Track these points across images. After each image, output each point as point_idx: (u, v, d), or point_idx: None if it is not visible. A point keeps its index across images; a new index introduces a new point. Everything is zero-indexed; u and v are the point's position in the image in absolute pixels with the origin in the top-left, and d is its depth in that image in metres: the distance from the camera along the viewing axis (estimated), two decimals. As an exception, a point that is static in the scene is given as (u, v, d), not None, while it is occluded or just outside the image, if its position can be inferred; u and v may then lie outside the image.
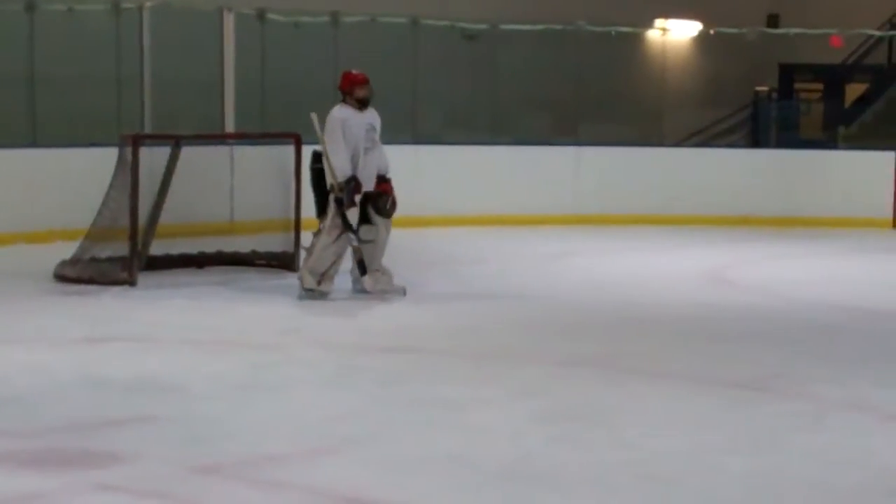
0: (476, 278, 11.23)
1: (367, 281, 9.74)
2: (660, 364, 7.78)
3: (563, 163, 15.76)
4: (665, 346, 8.36)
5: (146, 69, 13.95)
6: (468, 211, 14.93)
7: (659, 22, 18.41)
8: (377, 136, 9.85)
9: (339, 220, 9.59)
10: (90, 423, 6.13)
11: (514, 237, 14.11)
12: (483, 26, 16.59)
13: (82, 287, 10.03)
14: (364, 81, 9.79)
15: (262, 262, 11.17)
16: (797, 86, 21.73)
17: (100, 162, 11.06)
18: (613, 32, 16.88)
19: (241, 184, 12.48)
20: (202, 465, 5.49)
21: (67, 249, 10.59)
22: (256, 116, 14.57)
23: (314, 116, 9.70)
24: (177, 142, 10.96)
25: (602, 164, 15.83)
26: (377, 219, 9.80)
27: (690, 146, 19.06)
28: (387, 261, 9.95)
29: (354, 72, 9.88)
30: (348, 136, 9.64)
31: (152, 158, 10.69)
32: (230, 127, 14.21)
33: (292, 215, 10.94)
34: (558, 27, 16.44)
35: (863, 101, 20.74)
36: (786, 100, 21.21)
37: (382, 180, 9.85)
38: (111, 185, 10.51)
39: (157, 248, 10.88)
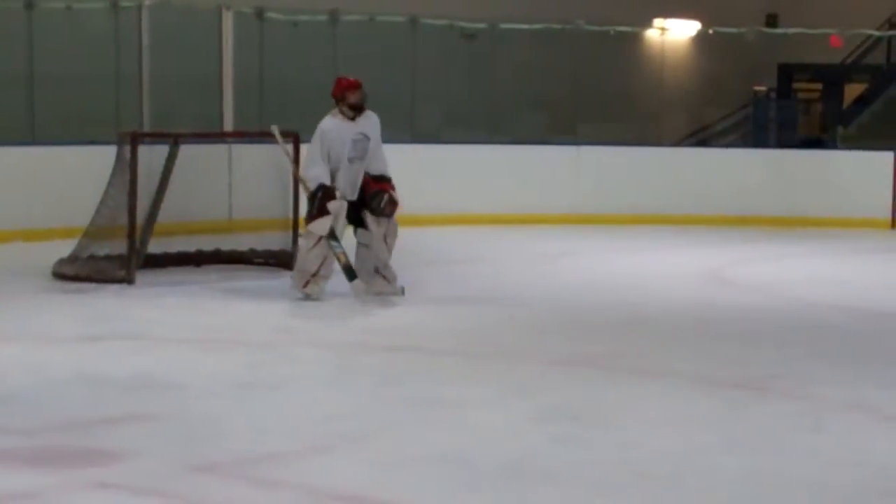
0: (474, 277, 11.22)
1: (354, 287, 9.53)
2: (659, 364, 7.76)
3: (562, 162, 15.75)
4: (664, 346, 8.34)
5: (145, 67, 13.96)
6: (467, 210, 14.92)
7: (658, 21, 18.42)
8: (371, 145, 9.57)
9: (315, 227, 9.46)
10: (87, 421, 6.11)
11: (512, 236, 14.10)
12: (482, 26, 16.60)
13: (80, 285, 10.02)
14: (356, 86, 9.52)
15: (261, 260, 11.17)
16: (796, 86, 21.74)
17: (98, 160, 11.02)
18: (612, 32, 16.90)
19: (240, 182, 12.49)
20: (200, 462, 5.48)
21: (66, 247, 10.58)
22: (255, 115, 14.55)
23: (275, 128, 9.69)
24: (175, 140, 10.95)
25: (601, 163, 15.82)
26: (372, 221, 9.61)
27: (689, 146, 19.07)
28: (386, 259, 9.92)
29: (347, 78, 9.67)
30: (331, 148, 9.44)
31: (151, 157, 10.67)
32: (229, 125, 14.21)
33: (290, 214, 10.91)
34: (557, 27, 16.45)
35: (862, 101, 20.75)
36: (784, 99, 21.21)
37: (381, 179, 9.67)
38: (109, 184, 10.50)
39: (155, 247, 10.86)
